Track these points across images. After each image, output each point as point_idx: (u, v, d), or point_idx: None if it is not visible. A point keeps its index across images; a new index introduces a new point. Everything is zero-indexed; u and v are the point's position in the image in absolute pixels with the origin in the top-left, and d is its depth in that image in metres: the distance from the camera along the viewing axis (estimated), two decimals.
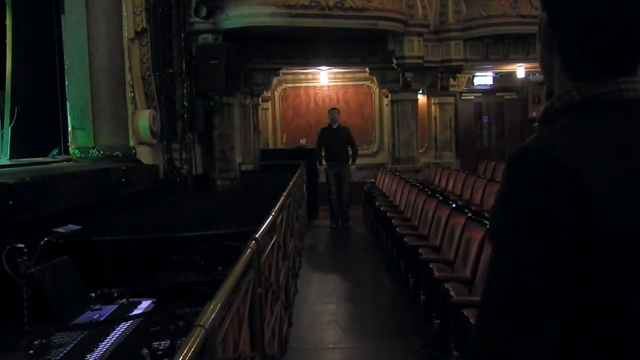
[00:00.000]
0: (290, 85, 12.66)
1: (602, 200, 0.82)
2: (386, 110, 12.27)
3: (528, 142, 0.89)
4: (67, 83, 7.65)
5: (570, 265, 0.83)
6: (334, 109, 10.23)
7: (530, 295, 0.82)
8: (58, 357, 2.41)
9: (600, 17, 0.90)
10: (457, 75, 11.74)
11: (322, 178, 10.41)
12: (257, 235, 2.96)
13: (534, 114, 13.14)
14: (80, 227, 3.44)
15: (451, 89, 12.07)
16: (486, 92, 13.54)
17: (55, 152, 7.49)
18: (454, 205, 5.24)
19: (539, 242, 0.82)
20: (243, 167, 10.28)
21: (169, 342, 2.69)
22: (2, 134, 7.26)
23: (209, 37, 9.37)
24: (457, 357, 3.47)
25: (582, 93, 0.93)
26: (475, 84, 13.31)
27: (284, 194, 5.01)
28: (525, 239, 0.83)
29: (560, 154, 0.84)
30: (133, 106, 8.17)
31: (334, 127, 9.84)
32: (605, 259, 0.83)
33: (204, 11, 9.12)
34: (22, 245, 2.86)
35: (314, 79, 12.52)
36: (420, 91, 11.51)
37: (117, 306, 3.19)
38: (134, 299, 3.31)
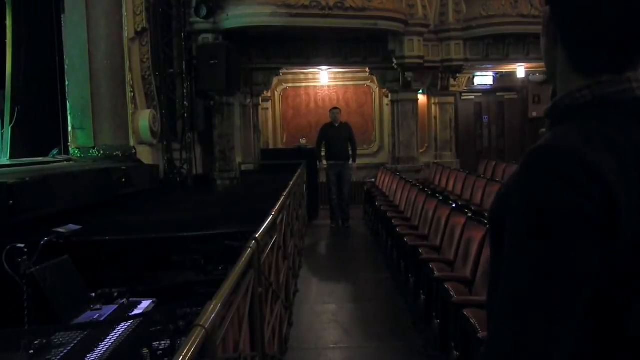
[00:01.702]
0: (290, 85, 12.66)
1: (625, 205, 0.81)
2: (386, 110, 12.27)
3: (549, 141, 0.88)
4: (67, 83, 7.65)
5: (598, 268, 0.82)
6: (336, 108, 10.22)
7: (559, 298, 0.80)
8: (58, 357, 2.41)
9: (603, 5, 0.89)
10: (458, 75, 11.74)
11: (323, 178, 10.41)
12: (257, 235, 2.96)
13: (534, 114, 13.13)
14: (80, 227, 3.44)
15: (451, 88, 12.07)
16: (486, 92, 13.53)
17: (55, 152, 7.49)
18: (454, 205, 5.24)
19: (570, 244, 0.80)
20: (243, 167, 10.28)
21: (169, 342, 2.69)
22: (2, 134, 7.27)
23: (209, 37, 9.38)
24: (458, 358, 3.46)
25: (593, 92, 0.91)
26: (475, 83, 13.31)
27: (284, 193, 5.01)
28: (556, 239, 0.81)
29: (584, 157, 0.83)
30: (133, 106, 8.18)
31: (336, 125, 9.84)
32: (629, 264, 0.83)
33: (204, 11, 9.12)
34: (22, 245, 2.85)
35: (314, 78, 12.52)
36: (421, 91, 11.50)
37: (117, 306, 3.19)
38: (134, 299, 3.30)
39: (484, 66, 12.15)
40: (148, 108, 8.47)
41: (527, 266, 0.82)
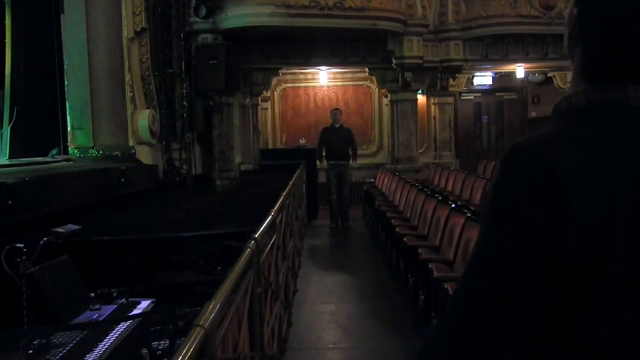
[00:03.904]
0: (289, 85, 12.66)
1: (581, 204, 0.84)
2: (386, 110, 12.27)
3: (523, 140, 0.92)
4: (66, 83, 7.65)
5: (543, 264, 0.84)
6: (336, 109, 10.24)
7: (507, 287, 0.84)
8: (58, 357, 2.42)
9: (626, 18, 0.89)
10: (457, 75, 11.73)
11: (322, 178, 10.41)
12: (256, 235, 2.96)
13: (533, 114, 13.14)
14: (80, 227, 3.44)
15: (451, 89, 12.07)
16: (486, 92, 13.54)
17: (54, 152, 7.50)
18: (453, 205, 5.24)
19: (516, 236, 0.85)
20: (243, 167, 10.28)
21: (168, 342, 2.70)
22: (1, 134, 7.27)
23: (209, 37, 9.37)
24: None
25: (588, 98, 0.93)
26: (474, 84, 13.31)
27: (284, 193, 5.01)
28: (504, 231, 0.86)
29: (545, 156, 0.86)
30: (132, 106, 8.18)
31: (336, 126, 9.85)
32: (576, 266, 0.84)
33: (203, 11, 9.12)
34: (22, 245, 2.85)
35: (313, 79, 12.52)
36: (420, 91, 11.51)
37: (116, 306, 3.19)
38: (133, 299, 3.31)
39: (483, 66, 12.14)
40: (147, 108, 8.47)
41: (481, 253, 0.88)
